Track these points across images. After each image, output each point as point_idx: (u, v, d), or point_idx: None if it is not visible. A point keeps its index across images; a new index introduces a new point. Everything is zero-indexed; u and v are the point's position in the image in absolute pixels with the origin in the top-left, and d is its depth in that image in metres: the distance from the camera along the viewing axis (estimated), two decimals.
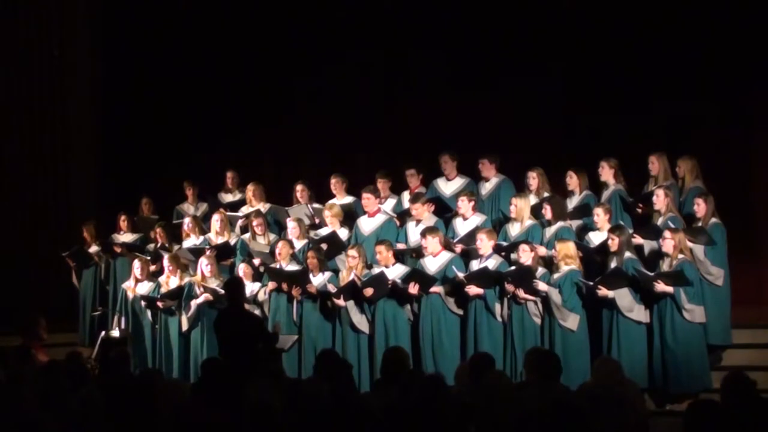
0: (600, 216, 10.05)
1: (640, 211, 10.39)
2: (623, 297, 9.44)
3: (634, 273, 9.47)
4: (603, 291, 9.45)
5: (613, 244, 9.61)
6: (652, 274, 9.42)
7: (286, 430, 5.78)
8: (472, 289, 9.83)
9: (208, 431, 5.98)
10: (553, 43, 12.25)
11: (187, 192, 12.58)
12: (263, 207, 11.74)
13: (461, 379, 7.24)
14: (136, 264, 11.34)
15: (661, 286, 9.33)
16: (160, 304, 10.94)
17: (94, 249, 12.38)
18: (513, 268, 9.88)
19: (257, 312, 10.30)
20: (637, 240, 9.93)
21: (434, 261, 10.17)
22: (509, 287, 9.69)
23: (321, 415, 5.83)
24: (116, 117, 14.10)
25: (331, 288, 10.26)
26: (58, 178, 14.16)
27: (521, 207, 10.33)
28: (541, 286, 9.60)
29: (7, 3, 14.11)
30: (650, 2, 11.87)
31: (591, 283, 9.49)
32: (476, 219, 10.59)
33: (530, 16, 12.36)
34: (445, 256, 10.19)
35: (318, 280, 10.44)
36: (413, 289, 9.97)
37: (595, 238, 10.08)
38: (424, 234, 10.22)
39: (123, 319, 11.16)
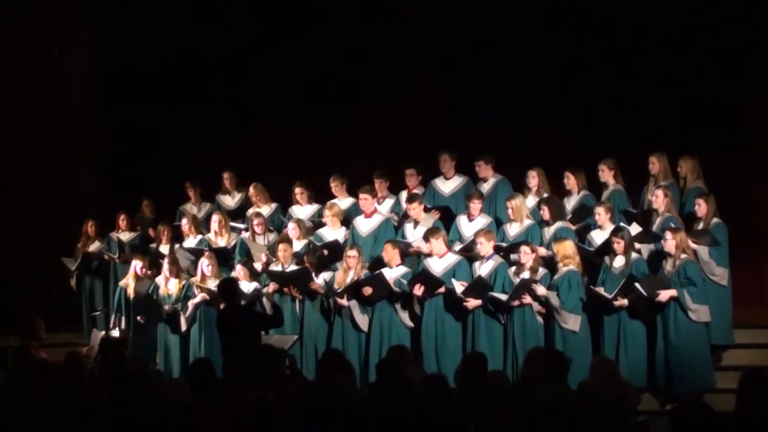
0: (601, 215, 10.04)
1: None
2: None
3: (643, 274, 9.45)
4: (620, 302, 9.42)
5: (619, 247, 9.58)
6: (657, 275, 9.39)
7: (286, 430, 5.77)
8: (471, 303, 9.78)
9: (207, 431, 5.98)
10: (552, 44, 12.25)
11: (189, 192, 12.54)
12: (269, 207, 11.73)
13: (461, 379, 7.24)
14: (137, 264, 11.31)
15: (665, 294, 9.30)
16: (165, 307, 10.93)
17: (96, 246, 12.35)
18: (514, 276, 9.82)
19: None
20: (635, 246, 9.91)
21: (440, 262, 10.12)
22: (514, 303, 9.62)
23: (321, 415, 5.83)
24: (116, 117, 14.08)
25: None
26: (58, 177, 14.14)
27: (518, 206, 10.29)
28: (540, 290, 9.57)
29: (7, 3, 14.10)
30: (649, 2, 11.88)
31: (609, 296, 9.43)
32: (481, 220, 10.56)
33: (530, 16, 12.35)
34: (452, 257, 10.14)
35: (317, 281, 10.43)
36: (418, 290, 9.94)
37: (597, 237, 10.07)
38: (426, 237, 10.17)
39: (123, 319, 11.16)
